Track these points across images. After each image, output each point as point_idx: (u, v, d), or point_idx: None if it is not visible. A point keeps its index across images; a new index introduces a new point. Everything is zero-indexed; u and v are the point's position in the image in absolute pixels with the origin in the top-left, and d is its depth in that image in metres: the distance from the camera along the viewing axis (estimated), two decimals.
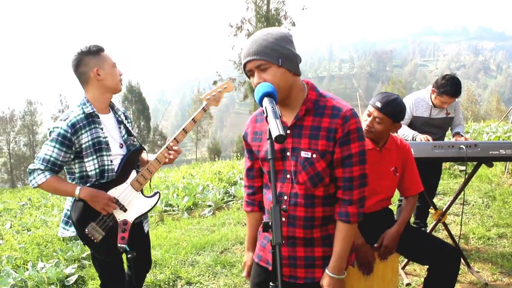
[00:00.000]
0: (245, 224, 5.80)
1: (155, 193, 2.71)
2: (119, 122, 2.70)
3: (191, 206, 7.47)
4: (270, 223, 1.45)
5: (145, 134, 51.19)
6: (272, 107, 1.54)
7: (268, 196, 1.97)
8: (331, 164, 1.78)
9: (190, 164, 19.19)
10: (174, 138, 2.72)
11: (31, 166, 2.43)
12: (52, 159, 2.38)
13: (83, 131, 2.43)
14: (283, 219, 1.82)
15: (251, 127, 1.99)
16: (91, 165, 2.48)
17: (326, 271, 1.83)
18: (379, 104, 2.65)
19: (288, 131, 1.80)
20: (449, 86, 3.88)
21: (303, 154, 1.77)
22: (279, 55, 1.70)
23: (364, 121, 2.72)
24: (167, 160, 2.73)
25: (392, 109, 2.63)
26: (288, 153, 1.81)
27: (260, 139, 1.93)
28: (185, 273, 4.11)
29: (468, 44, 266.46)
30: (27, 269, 4.48)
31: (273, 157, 1.47)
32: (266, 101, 1.58)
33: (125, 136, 2.69)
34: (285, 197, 1.82)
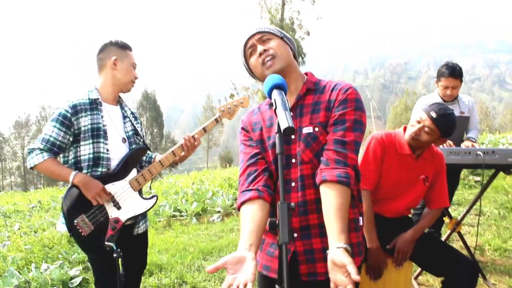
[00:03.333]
0: None
1: (153, 196, 2.66)
2: (125, 117, 2.70)
3: (200, 212, 7.39)
4: (277, 222, 1.31)
5: (157, 141, 51.64)
6: (282, 99, 1.44)
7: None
8: None
9: (201, 171, 19.17)
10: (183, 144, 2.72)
11: (30, 146, 2.43)
12: (51, 138, 2.39)
13: (83, 114, 2.45)
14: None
15: (248, 120, 1.88)
16: (86, 149, 2.45)
17: (340, 245, 1.39)
18: (434, 115, 2.49)
19: (292, 113, 1.71)
20: (445, 68, 3.96)
21: (305, 130, 1.68)
22: (281, 33, 1.81)
23: (411, 127, 2.59)
24: (176, 157, 2.72)
25: (446, 123, 2.48)
26: (293, 136, 1.69)
27: (260, 127, 1.81)
28: (191, 278, 4.01)
29: (483, 57, 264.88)
30: (31, 270, 4.42)
31: (281, 151, 1.34)
32: (275, 92, 1.49)
33: (130, 133, 2.68)
34: (293, 184, 1.67)
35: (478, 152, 3.25)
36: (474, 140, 4.04)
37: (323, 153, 1.63)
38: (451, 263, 2.55)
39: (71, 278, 4.22)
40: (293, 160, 1.69)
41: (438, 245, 2.71)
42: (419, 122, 2.55)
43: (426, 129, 2.51)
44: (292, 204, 1.39)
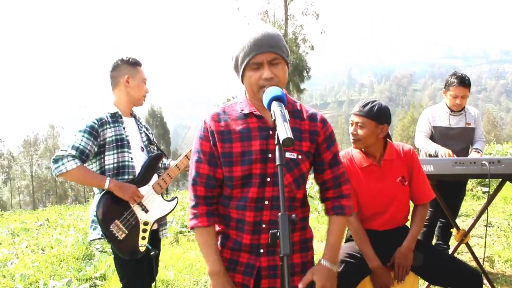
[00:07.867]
0: None
1: (174, 198, 2.86)
2: (140, 128, 2.92)
3: None
4: (278, 233, 1.36)
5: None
6: (281, 110, 1.49)
7: (235, 204, 1.78)
8: (312, 166, 1.87)
9: None
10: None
11: (59, 153, 2.53)
12: (81, 147, 2.54)
13: (108, 126, 2.65)
14: (263, 225, 1.76)
15: (214, 126, 1.79)
16: (110, 159, 2.64)
17: (322, 261, 1.80)
18: (357, 109, 2.61)
19: (271, 132, 1.73)
20: (454, 77, 3.99)
21: (288, 155, 1.75)
22: (287, 52, 1.74)
23: (350, 132, 2.67)
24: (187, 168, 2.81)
25: (371, 110, 2.56)
26: (270, 155, 1.73)
27: (230, 139, 1.76)
28: None
29: (489, 68, 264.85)
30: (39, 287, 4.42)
31: (281, 163, 1.37)
32: (274, 104, 1.54)
33: (146, 142, 2.88)
34: (266, 202, 1.75)
35: (484, 162, 3.23)
36: (480, 151, 4.04)
37: (323, 190, 1.89)
38: (455, 274, 2.52)
39: None
40: (268, 179, 1.74)
41: (443, 257, 2.67)
42: (352, 124, 2.65)
43: (359, 124, 2.59)
44: (293, 215, 1.41)
